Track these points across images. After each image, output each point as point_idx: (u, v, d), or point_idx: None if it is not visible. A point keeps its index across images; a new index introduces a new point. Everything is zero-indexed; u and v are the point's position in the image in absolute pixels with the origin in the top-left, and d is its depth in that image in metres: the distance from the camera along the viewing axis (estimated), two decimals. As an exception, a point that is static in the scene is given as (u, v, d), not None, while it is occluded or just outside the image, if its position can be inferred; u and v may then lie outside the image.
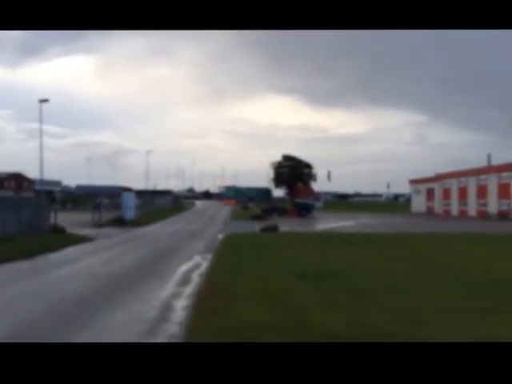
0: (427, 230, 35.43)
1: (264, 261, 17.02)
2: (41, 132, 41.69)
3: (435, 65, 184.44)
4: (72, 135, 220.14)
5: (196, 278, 13.93)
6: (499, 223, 49.80)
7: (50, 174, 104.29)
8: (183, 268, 15.95)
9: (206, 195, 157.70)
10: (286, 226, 36.70)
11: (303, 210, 61.92)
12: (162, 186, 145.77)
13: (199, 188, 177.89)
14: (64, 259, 18.96)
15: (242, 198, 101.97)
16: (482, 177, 69.07)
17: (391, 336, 7.33)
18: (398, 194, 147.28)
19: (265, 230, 32.55)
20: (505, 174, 63.95)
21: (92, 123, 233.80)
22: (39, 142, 41.58)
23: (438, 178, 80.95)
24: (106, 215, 39.83)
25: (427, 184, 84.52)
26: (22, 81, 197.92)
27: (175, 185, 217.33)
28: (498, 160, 70.60)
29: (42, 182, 46.68)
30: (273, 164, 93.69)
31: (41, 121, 40.73)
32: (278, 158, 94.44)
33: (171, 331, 8.25)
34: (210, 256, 18.90)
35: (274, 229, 32.99)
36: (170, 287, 12.51)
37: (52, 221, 30.08)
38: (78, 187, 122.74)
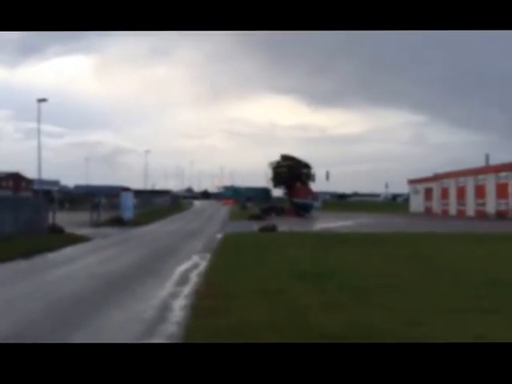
0: (425, 229, 35.45)
1: (263, 260, 17.00)
2: (39, 132, 41.67)
3: (434, 65, 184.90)
4: (70, 135, 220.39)
5: (194, 277, 13.91)
6: (497, 223, 49.86)
7: (48, 174, 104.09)
8: (182, 268, 15.93)
9: (205, 195, 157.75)
10: (285, 225, 36.69)
11: (302, 210, 61.93)
12: (160, 185, 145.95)
13: (198, 188, 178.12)
14: (62, 259, 18.93)
15: (241, 198, 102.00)
16: (480, 177, 69.16)
17: (390, 336, 7.32)
18: (397, 194, 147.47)
19: (263, 229, 32.54)
20: (503, 174, 64.05)
21: (90, 123, 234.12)
22: (37, 142, 41.57)
23: (437, 177, 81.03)
24: (105, 215, 39.79)
25: (425, 184, 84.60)
26: (20, 80, 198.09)
27: (174, 185, 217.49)
28: (496, 160, 70.90)
29: (41, 181, 46.62)
30: (271, 164, 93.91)
31: (39, 120, 40.74)
32: (276, 157, 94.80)
33: (169, 331, 8.23)
34: (208, 256, 18.89)
35: (273, 228, 32.98)
36: (168, 287, 12.49)
37: (50, 220, 30.03)
38: (77, 187, 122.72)
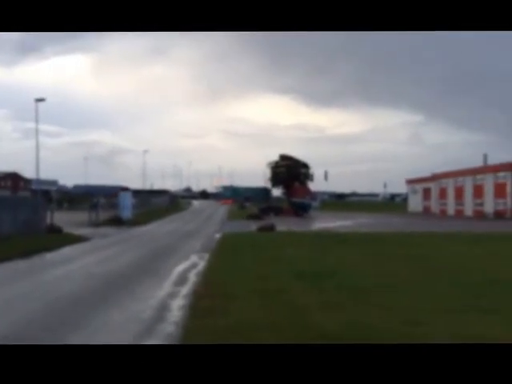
0: (424, 229, 35.48)
1: (261, 260, 17.00)
2: (37, 131, 41.58)
3: (433, 65, 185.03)
4: (69, 134, 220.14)
5: (193, 277, 13.91)
6: (495, 223, 49.92)
7: (47, 174, 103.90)
8: (180, 267, 15.93)
9: (203, 195, 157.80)
10: (283, 225, 36.72)
11: (300, 210, 61.96)
12: (159, 185, 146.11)
13: (196, 188, 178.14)
14: (61, 259, 18.92)
15: (240, 198, 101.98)
16: (479, 176, 69.22)
17: (389, 335, 7.32)
18: (395, 194, 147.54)
19: (262, 229, 32.55)
20: (501, 174, 64.11)
21: (89, 122, 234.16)
22: (35, 142, 41.49)
23: (435, 177, 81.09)
24: (103, 215, 39.80)
25: (424, 184, 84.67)
26: (18, 80, 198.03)
27: (172, 184, 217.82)
28: (494, 160, 70.96)
29: (39, 181, 46.53)
30: (270, 164, 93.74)
31: (37, 120, 40.63)
32: (275, 157, 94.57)
33: (168, 331, 8.23)
34: (206, 255, 18.88)
35: (271, 228, 32.99)
36: (166, 287, 12.48)
37: (48, 220, 30.02)
38: (76, 187, 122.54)
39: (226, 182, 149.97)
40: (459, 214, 71.27)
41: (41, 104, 40.79)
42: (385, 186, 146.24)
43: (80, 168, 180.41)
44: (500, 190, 63.41)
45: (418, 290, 11.59)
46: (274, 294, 10.90)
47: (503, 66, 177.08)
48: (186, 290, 12.01)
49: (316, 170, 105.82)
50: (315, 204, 72.91)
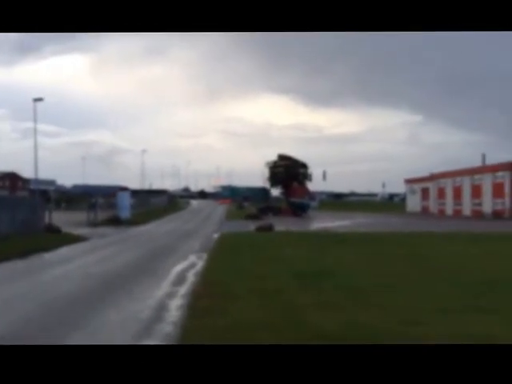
0: (422, 229, 35.48)
1: (260, 260, 16.99)
2: (35, 131, 41.57)
3: (432, 65, 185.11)
4: (67, 134, 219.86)
5: (191, 277, 13.89)
6: (493, 223, 49.97)
7: (45, 174, 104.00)
8: (178, 267, 15.90)
9: (202, 195, 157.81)
10: (282, 225, 36.71)
11: (298, 210, 61.95)
12: (157, 185, 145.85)
13: (194, 187, 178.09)
14: (59, 259, 18.89)
15: (238, 198, 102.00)
16: (477, 176, 69.28)
17: (388, 335, 7.31)
18: (393, 194, 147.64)
19: (260, 229, 32.53)
20: (499, 174, 64.18)
21: (87, 122, 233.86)
22: (34, 141, 41.46)
23: (433, 177, 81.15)
24: (101, 215, 39.76)
25: (422, 183, 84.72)
26: (17, 80, 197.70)
27: (170, 184, 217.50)
28: (492, 160, 71.01)
29: (37, 181, 46.46)
30: (268, 163, 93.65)
31: (35, 120, 40.62)
32: (273, 157, 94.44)
33: (166, 331, 8.21)
34: (205, 255, 18.86)
35: (270, 228, 32.98)
36: (164, 286, 12.46)
37: (47, 220, 29.97)
38: (75, 187, 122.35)
39: (225, 182, 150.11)
40: (457, 213, 71.33)
41: (39, 104, 40.83)
42: (383, 185, 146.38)
43: (78, 168, 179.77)
44: (498, 190, 63.48)
45: (417, 289, 11.58)
46: (272, 293, 10.88)
47: (503, 66, 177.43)
48: (184, 289, 11.99)
49: (314, 170, 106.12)
50: (314, 204, 72.94)
